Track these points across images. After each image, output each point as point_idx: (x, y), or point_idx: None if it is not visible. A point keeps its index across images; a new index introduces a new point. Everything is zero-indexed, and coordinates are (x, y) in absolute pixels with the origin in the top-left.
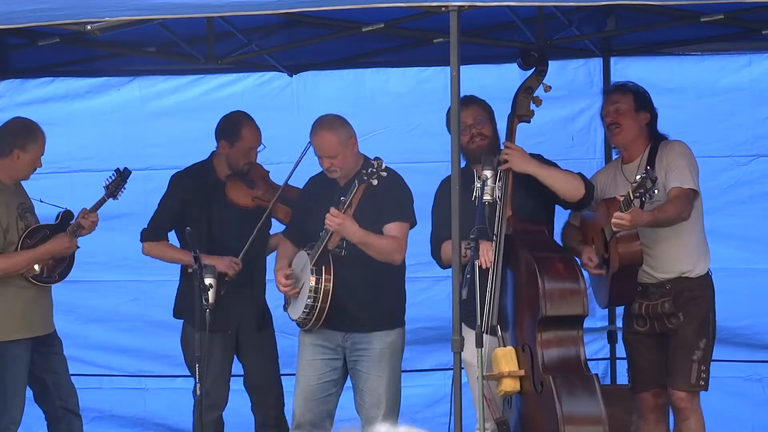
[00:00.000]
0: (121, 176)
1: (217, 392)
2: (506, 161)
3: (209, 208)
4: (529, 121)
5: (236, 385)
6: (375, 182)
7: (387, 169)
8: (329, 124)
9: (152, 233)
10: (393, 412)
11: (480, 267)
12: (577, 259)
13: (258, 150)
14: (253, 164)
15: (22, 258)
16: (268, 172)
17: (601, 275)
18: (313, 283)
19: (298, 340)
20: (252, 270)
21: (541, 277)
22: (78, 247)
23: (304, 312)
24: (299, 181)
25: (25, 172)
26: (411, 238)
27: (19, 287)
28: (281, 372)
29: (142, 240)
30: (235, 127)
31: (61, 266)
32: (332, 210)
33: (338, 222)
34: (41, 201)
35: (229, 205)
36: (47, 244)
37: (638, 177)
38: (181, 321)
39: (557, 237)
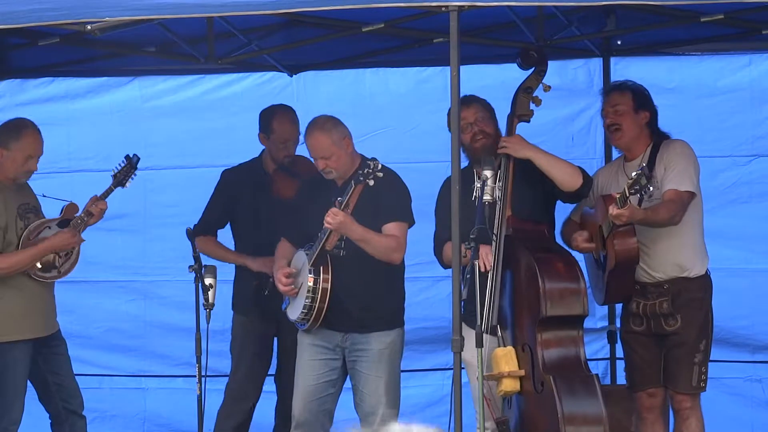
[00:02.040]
0: (131, 163)
1: (248, 385)
2: (504, 148)
3: (257, 201)
4: (528, 121)
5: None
6: (371, 183)
7: (384, 169)
8: (321, 125)
9: (201, 228)
10: (392, 413)
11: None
12: (577, 255)
13: (299, 143)
14: (293, 156)
15: (23, 255)
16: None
17: (598, 272)
18: (311, 283)
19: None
20: None
21: (541, 277)
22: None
23: (302, 312)
24: None
25: (14, 171)
26: (411, 238)
27: (19, 288)
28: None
29: (192, 236)
30: (268, 120)
31: (66, 262)
32: (332, 209)
33: (339, 220)
34: (44, 195)
35: (276, 198)
36: (49, 239)
37: (634, 174)
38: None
39: (558, 237)
